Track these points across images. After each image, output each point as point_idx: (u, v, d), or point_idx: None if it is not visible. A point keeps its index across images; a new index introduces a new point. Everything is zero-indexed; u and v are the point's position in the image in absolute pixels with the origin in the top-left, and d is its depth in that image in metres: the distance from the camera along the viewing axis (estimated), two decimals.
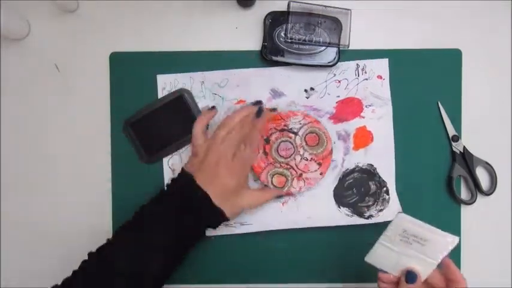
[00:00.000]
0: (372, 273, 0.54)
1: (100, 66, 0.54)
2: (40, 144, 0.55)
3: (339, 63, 0.53)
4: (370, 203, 0.53)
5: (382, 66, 0.54)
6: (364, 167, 0.53)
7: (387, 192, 0.53)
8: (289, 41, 0.52)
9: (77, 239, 0.54)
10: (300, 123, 0.52)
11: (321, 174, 0.52)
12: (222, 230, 0.53)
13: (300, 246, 0.54)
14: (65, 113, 0.55)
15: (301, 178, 0.52)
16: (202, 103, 0.54)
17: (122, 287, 0.43)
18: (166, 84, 0.53)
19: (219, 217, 0.47)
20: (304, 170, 0.52)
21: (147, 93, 0.54)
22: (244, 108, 0.51)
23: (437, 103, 0.54)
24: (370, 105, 0.53)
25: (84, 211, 0.54)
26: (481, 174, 0.54)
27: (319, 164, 0.52)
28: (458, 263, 0.54)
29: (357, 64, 0.53)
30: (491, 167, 0.54)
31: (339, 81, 0.54)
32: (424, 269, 0.42)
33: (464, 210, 0.54)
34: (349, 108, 0.54)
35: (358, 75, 0.54)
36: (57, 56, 0.55)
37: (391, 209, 0.52)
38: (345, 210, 0.53)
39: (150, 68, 0.54)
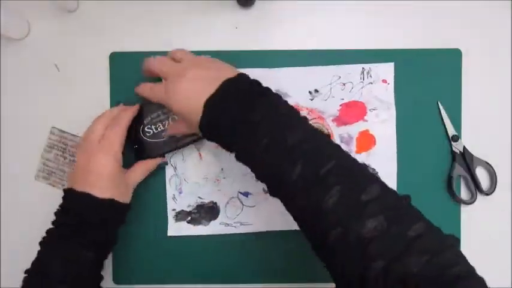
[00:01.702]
0: None
1: (100, 66, 0.54)
2: (40, 144, 0.55)
3: (345, 65, 0.53)
4: None
5: (387, 70, 0.53)
6: None
7: None
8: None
9: None
10: None
11: None
12: (222, 230, 0.53)
13: (300, 245, 0.54)
14: (65, 113, 0.55)
15: None
16: None
17: None
18: None
19: (112, 208, 0.45)
20: None
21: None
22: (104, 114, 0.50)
23: (437, 103, 0.54)
24: (374, 109, 0.53)
25: None
26: (481, 174, 0.54)
27: None
28: None
29: (363, 68, 0.53)
30: (491, 167, 0.54)
31: (344, 84, 0.54)
32: None
33: (464, 210, 0.54)
34: (352, 111, 0.54)
35: (363, 79, 0.53)
36: (57, 56, 0.55)
37: None
38: None
39: None
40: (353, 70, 0.53)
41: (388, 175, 0.53)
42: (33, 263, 0.44)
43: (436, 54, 0.54)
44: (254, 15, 0.55)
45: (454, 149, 0.54)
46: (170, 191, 0.54)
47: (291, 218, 0.52)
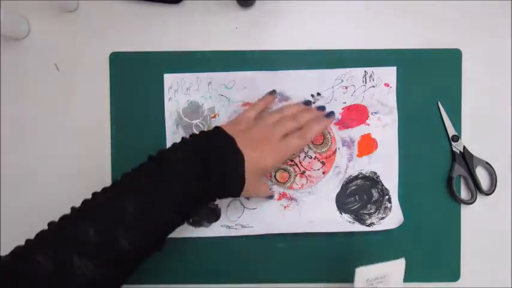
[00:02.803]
0: None
1: (100, 66, 0.54)
2: (40, 144, 0.55)
3: (347, 68, 0.53)
4: (372, 211, 0.53)
5: (390, 74, 0.53)
6: (367, 174, 0.53)
7: (389, 200, 0.53)
8: None
9: None
10: None
11: (323, 173, 0.52)
12: (223, 232, 0.53)
13: (301, 247, 0.54)
14: (65, 113, 0.55)
15: (304, 175, 0.52)
16: (208, 104, 0.54)
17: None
18: (173, 83, 0.53)
19: (237, 188, 0.43)
20: (308, 167, 0.52)
21: (147, 93, 0.54)
22: (298, 104, 0.52)
23: (437, 103, 0.54)
24: (376, 113, 0.53)
25: None
26: (481, 174, 0.54)
27: (323, 163, 0.52)
28: (458, 263, 0.54)
29: (365, 71, 0.53)
30: (491, 167, 0.54)
31: (346, 88, 0.53)
32: None
33: (464, 210, 0.54)
34: (355, 115, 0.53)
35: (366, 82, 0.53)
36: (57, 55, 0.55)
37: (393, 217, 0.53)
38: (346, 216, 0.53)
39: (150, 68, 0.54)
40: (355, 73, 0.53)
41: (389, 179, 0.53)
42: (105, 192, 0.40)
43: (436, 54, 0.54)
44: (254, 15, 0.55)
45: (454, 149, 0.54)
46: None
47: (292, 221, 0.52)
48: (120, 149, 0.54)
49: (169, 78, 0.53)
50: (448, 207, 0.54)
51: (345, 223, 0.53)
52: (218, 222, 0.53)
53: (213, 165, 0.41)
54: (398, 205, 0.53)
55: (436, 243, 0.54)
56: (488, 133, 0.54)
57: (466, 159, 0.53)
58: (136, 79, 0.54)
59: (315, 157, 0.53)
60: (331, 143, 0.53)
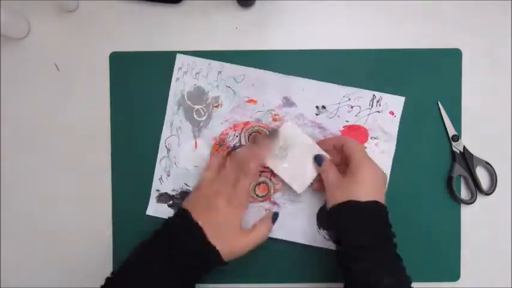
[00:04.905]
0: None
1: (100, 66, 0.54)
2: (40, 144, 0.55)
3: (357, 88, 0.53)
4: None
5: (397, 103, 0.53)
6: None
7: None
8: None
9: (77, 239, 0.54)
10: None
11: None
12: None
13: (298, 245, 0.54)
14: (64, 112, 0.55)
15: (285, 185, 0.52)
16: (213, 92, 0.54)
17: None
18: (184, 65, 0.54)
19: (214, 257, 0.44)
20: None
21: (147, 93, 0.54)
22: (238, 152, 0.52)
23: (437, 103, 0.54)
24: (375, 138, 0.53)
25: (84, 211, 0.54)
26: (481, 174, 0.54)
27: None
28: (458, 263, 0.54)
29: (374, 95, 0.53)
30: (491, 167, 0.54)
31: (352, 107, 0.53)
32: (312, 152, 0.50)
33: (464, 210, 0.54)
34: (354, 135, 0.53)
35: (372, 106, 0.53)
36: (57, 55, 0.55)
37: None
38: (323, 233, 0.53)
39: (150, 68, 0.54)
40: (364, 95, 0.53)
41: None
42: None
43: (436, 54, 0.54)
44: (254, 15, 0.55)
45: (454, 149, 0.54)
46: (159, 171, 0.54)
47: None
48: (120, 149, 0.54)
49: (180, 59, 0.54)
50: (448, 207, 0.54)
51: (321, 239, 0.53)
52: None
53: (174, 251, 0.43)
54: None
55: (436, 243, 0.54)
56: (488, 133, 0.54)
57: (466, 159, 0.53)
58: (136, 79, 0.54)
59: None
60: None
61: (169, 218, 0.47)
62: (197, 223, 0.44)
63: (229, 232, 0.46)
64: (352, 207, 0.43)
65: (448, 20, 0.55)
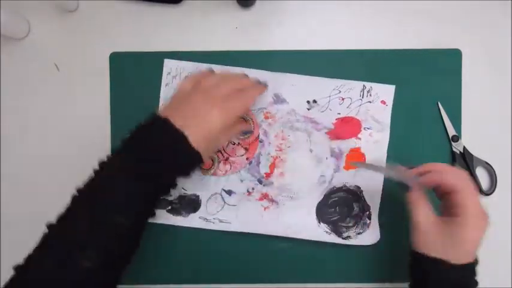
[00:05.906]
0: (371, 272, 0.54)
1: (100, 66, 0.54)
2: (40, 144, 0.55)
3: (346, 80, 0.53)
4: (351, 224, 0.53)
5: (387, 92, 0.53)
6: (351, 188, 0.53)
7: (369, 216, 0.53)
8: None
9: None
10: None
11: (247, 159, 0.53)
12: (200, 224, 0.53)
13: (298, 245, 0.54)
14: (65, 113, 0.55)
15: (228, 162, 0.53)
16: None
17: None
18: (172, 69, 0.54)
19: (195, 163, 0.42)
20: (231, 154, 0.53)
21: (147, 93, 0.54)
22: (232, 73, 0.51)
23: (437, 103, 0.54)
24: (368, 128, 0.53)
25: None
26: (481, 174, 0.54)
27: (246, 149, 0.53)
28: None
29: (364, 85, 0.53)
30: (491, 167, 0.54)
31: (343, 99, 0.53)
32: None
33: None
34: (347, 127, 0.53)
35: (363, 97, 0.53)
36: (57, 55, 0.55)
37: (370, 234, 0.52)
38: (324, 226, 0.53)
39: (150, 68, 0.54)
40: (354, 86, 0.53)
41: (372, 196, 0.53)
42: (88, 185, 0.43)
43: (436, 54, 0.54)
44: (254, 15, 0.55)
45: (454, 149, 0.54)
46: None
47: (270, 224, 0.52)
48: None
49: (169, 64, 0.54)
50: None
51: (321, 233, 0.52)
52: (196, 214, 0.53)
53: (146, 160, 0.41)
54: (377, 223, 0.53)
55: None
56: (488, 133, 0.54)
57: (466, 159, 0.53)
58: (136, 79, 0.54)
59: (238, 143, 0.53)
60: (254, 129, 0.53)
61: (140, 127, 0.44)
62: (178, 130, 0.41)
63: (213, 139, 0.43)
64: (446, 272, 0.37)
65: (448, 20, 0.55)
